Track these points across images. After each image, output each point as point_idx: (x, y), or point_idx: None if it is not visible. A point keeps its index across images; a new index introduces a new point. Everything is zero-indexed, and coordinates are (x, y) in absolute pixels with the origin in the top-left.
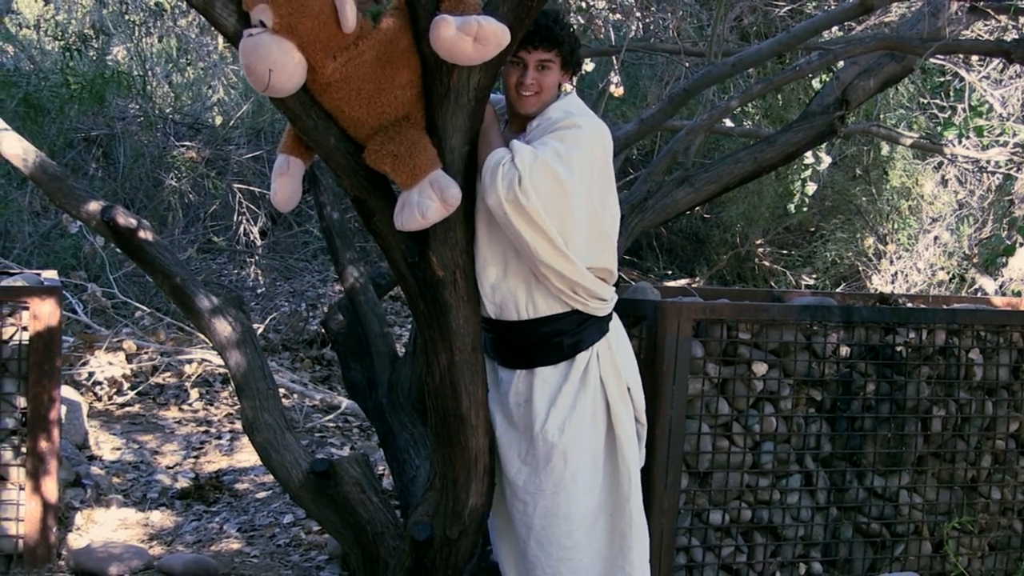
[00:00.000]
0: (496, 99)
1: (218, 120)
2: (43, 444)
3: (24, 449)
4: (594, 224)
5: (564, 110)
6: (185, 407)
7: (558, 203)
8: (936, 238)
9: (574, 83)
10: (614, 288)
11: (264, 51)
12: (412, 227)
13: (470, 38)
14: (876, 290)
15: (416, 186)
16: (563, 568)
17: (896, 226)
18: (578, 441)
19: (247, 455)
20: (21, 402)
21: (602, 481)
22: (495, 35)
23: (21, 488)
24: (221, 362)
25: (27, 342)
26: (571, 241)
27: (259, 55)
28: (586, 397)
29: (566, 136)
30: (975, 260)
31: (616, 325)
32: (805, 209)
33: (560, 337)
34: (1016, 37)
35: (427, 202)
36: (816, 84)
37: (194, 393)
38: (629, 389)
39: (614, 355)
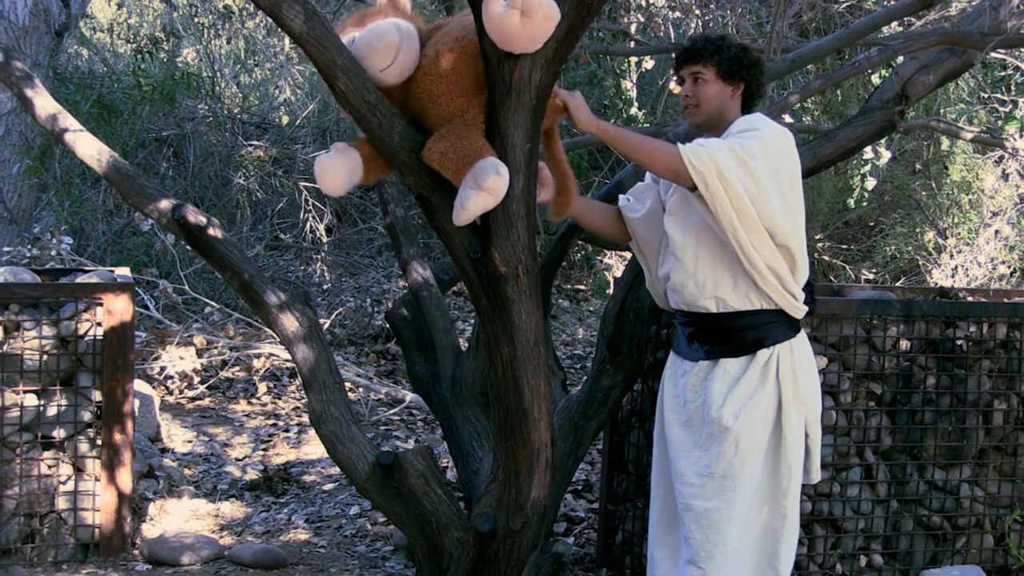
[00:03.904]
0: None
1: (284, 120)
2: (117, 436)
3: (99, 441)
4: (785, 205)
5: (745, 123)
6: (254, 401)
7: (748, 185)
8: (997, 232)
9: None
10: (807, 297)
11: None
12: (460, 220)
13: (516, 11)
14: (936, 284)
15: (463, 181)
16: (717, 552)
17: (956, 220)
18: (751, 431)
19: (314, 448)
20: (96, 395)
21: (762, 475)
22: (539, 5)
23: (97, 479)
24: (288, 357)
25: (101, 337)
26: (767, 220)
27: None
28: (764, 392)
29: (745, 135)
30: None
31: (803, 338)
32: (865, 204)
33: (744, 332)
34: None
35: (466, 191)
36: (876, 79)
37: (262, 387)
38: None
39: (795, 361)
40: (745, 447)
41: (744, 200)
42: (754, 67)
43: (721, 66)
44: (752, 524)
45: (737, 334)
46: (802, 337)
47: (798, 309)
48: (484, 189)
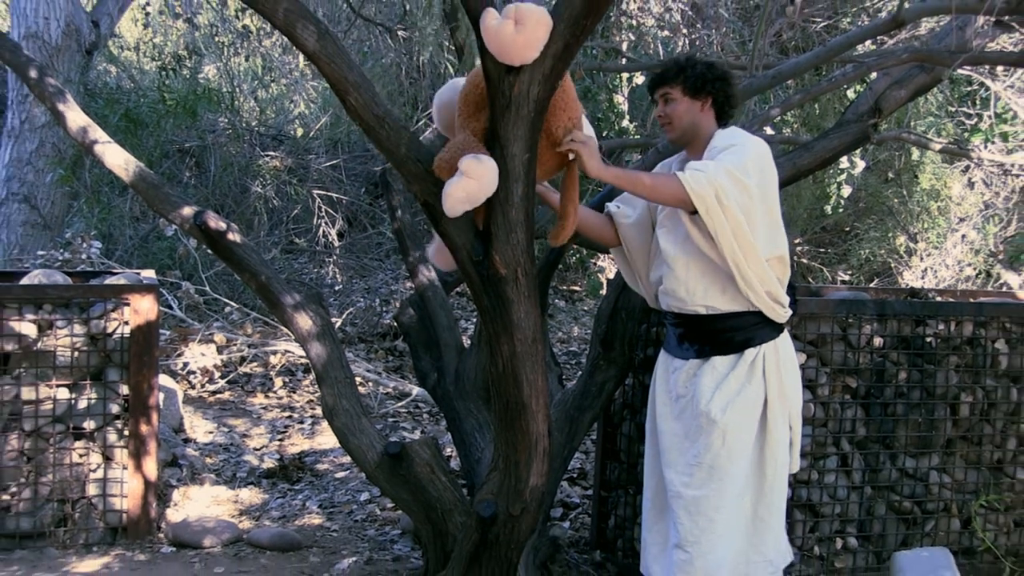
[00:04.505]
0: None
1: (299, 132)
2: (143, 427)
3: (127, 432)
4: (768, 215)
5: (727, 138)
6: (270, 394)
7: (743, 202)
8: (963, 237)
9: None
10: (790, 300)
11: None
12: (447, 207)
13: (511, 20)
14: (907, 285)
15: None
16: (704, 538)
17: (926, 225)
18: (738, 424)
19: (327, 438)
20: (124, 389)
21: (748, 467)
22: (532, 13)
23: (124, 467)
24: (303, 353)
25: (128, 335)
26: (755, 234)
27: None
28: (751, 388)
29: (731, 151)
30: (1000, 257)
31: (786, 337)
32: (840, 210)
33: (732, 333)
34: None
35: (449, 181)
36: (851, 94)
37: (278, 382)
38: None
39: (780, 359)
40: (732, 440)
41: (741, 221)
42: (720, 80)
43: (687, 84)
44: (738, 513)
45: (725, 335)
46: (785, 336)
47: (783, 316)
48: (462, 172)
